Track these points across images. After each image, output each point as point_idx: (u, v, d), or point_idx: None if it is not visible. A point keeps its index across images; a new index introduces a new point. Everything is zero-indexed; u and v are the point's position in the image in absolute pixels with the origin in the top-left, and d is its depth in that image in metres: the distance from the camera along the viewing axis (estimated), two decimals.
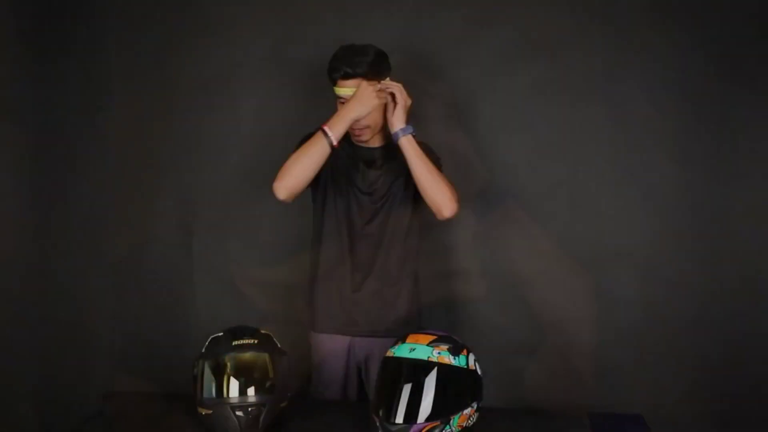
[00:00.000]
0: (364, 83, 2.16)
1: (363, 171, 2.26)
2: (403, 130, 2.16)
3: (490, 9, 2.58)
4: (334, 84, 2.20)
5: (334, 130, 2.14)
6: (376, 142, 2.28)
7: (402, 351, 1.82)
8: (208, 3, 2.76)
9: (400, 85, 2.18)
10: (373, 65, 2.17)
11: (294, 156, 2.17)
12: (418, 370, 1.79)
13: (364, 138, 2.24)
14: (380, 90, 2.16)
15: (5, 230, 2.79)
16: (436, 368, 1.78)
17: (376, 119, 2.20)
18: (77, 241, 2.88)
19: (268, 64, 2.73)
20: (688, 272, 2.51)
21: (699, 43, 2.47)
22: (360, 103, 2.15)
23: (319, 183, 2.28)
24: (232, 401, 1.83)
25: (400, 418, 1.76)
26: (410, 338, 1.85)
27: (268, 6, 2.72)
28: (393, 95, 2.17)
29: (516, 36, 2.56)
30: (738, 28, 2.44)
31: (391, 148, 2.25)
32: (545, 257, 2.58)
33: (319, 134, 2.14)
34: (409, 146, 2.15)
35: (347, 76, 2.16)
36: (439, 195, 2.15)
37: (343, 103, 2.18)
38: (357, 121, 2.18)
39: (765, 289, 2.48)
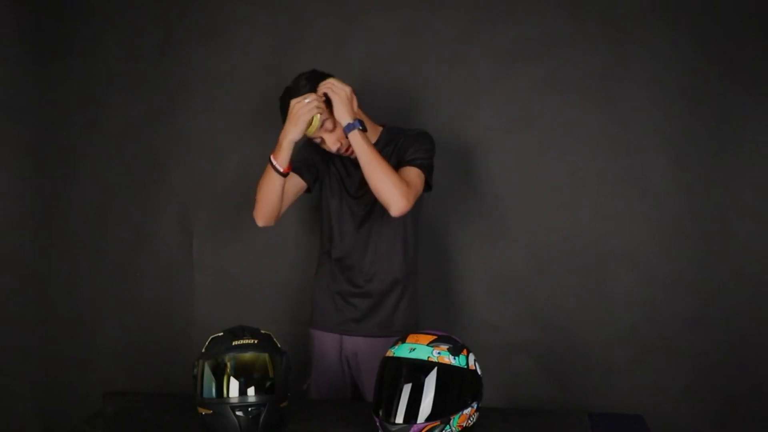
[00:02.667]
0: (292, 102, 2.06)
1: (353, 174, 2.25)
2: (349, 126, 2.05)
3: (489, 9, 2.58)
4: None
5: (278, 158, 2.10)
6: None
7: (402, 351, 1.81)
8: (208, 4, 2.76)
9: (332, 80, 2.07)
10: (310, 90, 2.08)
11: (257, 187, 2.19)
12: (418, 370, 1.78)
13: (349, 154, 2.17)
14: (311, 101, 2.05)
15: (5, 230, 2.80)
16: (436, 368, 1.77)
17: (341, 133, 2.11)
18: (77, 241, 2.89)
19: (267, 64, 2.73)
20: (688, 272, 2.51)
21: (699, 43, 2.46)
22: (292, 124, 2.06)
23: (321, 185, 2.33)
24: (232, 401, 1.83)
25: (400, 418, 1.76)
26: (410, 338, 1.85)
27: (267, 8, 2.72)
28: (327, 96, 2.06)
29: (516, 36, 2.56)
30: (738, 28, 2.44)
31: (384, 151, 2.23)
32: (545, 257, 2.58)
33: (269, 164, 2.13)
34: (355, 141, 2.05)
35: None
36: (384, 192, 2.04)
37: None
38: (322, 141, 2.14)
39: (765, 289, 2.47)
